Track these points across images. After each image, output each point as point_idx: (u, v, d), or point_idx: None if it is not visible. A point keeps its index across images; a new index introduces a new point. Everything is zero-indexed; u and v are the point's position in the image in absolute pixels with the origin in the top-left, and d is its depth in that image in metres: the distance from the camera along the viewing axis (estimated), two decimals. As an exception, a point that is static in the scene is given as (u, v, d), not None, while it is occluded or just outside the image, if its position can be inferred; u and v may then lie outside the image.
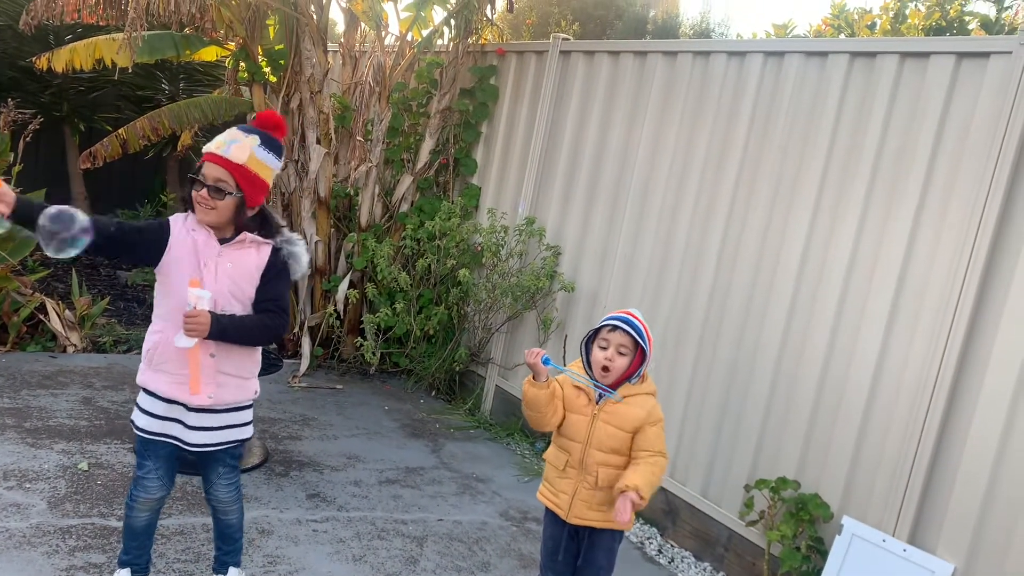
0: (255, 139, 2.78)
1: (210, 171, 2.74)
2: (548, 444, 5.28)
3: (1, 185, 2.49)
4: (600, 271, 5.25)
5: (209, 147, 2.77)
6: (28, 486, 3.86)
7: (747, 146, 4.42)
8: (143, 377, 2.89)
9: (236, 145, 2.74)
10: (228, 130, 2.81)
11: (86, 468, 4.13)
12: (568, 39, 5.83)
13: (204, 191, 2.74)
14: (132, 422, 2.94)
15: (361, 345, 6.16)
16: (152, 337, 2.86)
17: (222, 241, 2.82)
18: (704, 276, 4.57)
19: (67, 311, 5.96)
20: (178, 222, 2.83)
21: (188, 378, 2.78)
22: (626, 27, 14.30)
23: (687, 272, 4.67)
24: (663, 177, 4.88)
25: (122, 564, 3.05)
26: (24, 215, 2.56)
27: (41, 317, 5.81)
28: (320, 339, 6.38)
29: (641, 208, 5.01)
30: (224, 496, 3.08)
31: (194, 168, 2.81)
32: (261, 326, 2.86)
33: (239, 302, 2.85)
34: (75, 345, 5.82)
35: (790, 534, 3.80)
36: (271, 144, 2.83)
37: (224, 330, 2.75)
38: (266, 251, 2.88)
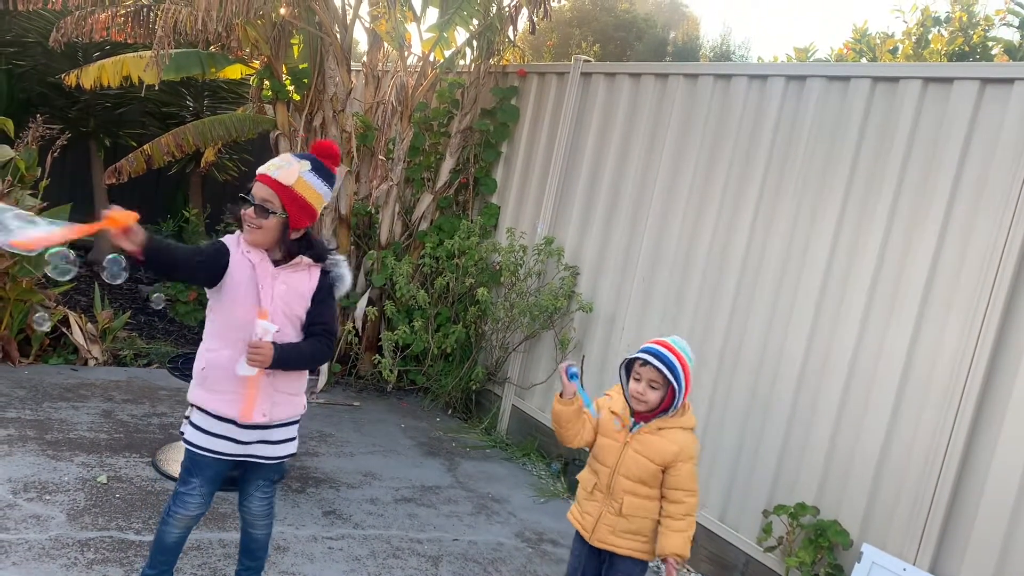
0: (306, 164, 2.85)
1: (259, 191, 2.83)
2: (565, 465, 5.28)
3: (131, 222, 2.51)
4: (618, 292, 5.25)
5: (261, 168, 2.86)
6: (48, 498, 3.89)
7: (768, 170, 4.42)
8: (197, 396, 2.92)
9: (286, 168, 2.83)
10: (283, 154, 2.91)
11: (105, 481, 4.15)
12: (589, 60, 5.87)
13: (251, 209, 2.82)
14: (184, 438, 2.96)
15: (379, 362, 6.18)
16: (206, 356, 2.89)
17: (275, 263, 2.88)
18: (723, 300, 4.55)
19: (89, 324, 6.02)
20: (232, 243, 2.88)
21: (243, 399, 2.83)
22: (646, 49, 14.37)
23: (706, 296, 4.66)
24: (683, 200, 4.88)
25: None
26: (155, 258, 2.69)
27: (64, 330, 5.87)
28: (338, 356, 6.40)
29: (660, 230, 5.01)
30: (258, 510, 3.11)
31: (241, 189, 2.90)
32: (314, 351, 2.96)
33: (291, 323, 2.91)
34: (96, 358, 5.87)
35: (808, 560, 3.76)
36: (322, 171, 2.89)
37: (283, 359, 2.81)
38: (316, 273, 2.96)
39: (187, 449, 2.96)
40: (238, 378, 2.82)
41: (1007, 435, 3.33)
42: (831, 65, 4.38)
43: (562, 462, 5.38)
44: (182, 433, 3.00)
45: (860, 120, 4.00)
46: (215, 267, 2.83)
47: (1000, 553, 3.29)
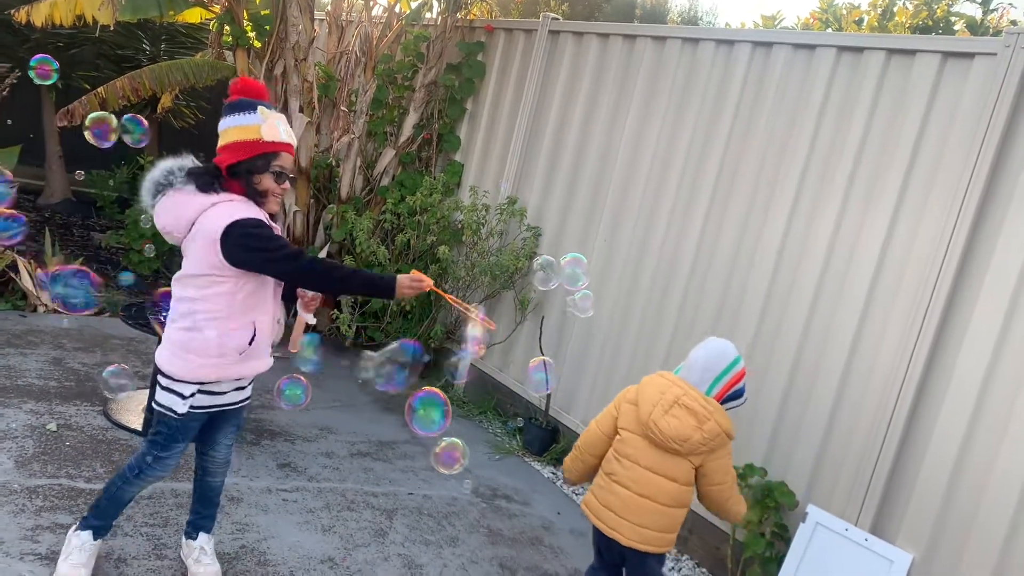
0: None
1: (289, 162, 2.81)
2: (522, 425, 5.31)
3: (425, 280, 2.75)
4: (579, 253, 5.26)
5: (283, 137, 2.78)
6: (-5, 445, 3.82)
7: (731, 134, 4.44)
8: (235, 370, 2.86)
9: (292, 132, 2.85)
10: (272, 113, 2.79)
11: (55, 429, 4.09)
12: (558, 19, 5.81)
13: (287, 183, 2.83)
14: (171, 410, 2.84)
15: (337, 318, 6.14)
16: (244, 333, 2.79)
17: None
18: (682, 262, 4.60)
19: (39, 270, 5.87)
20: (264, 217, 2.81)
21: (264, 351, 2.91)
22: (614, 10, 14.27)
23: (666, 258, 4.69)
24: (647, 161, 4.89)
25: (87, 528, 3.01)
26: None
27: (12, 275, 5.73)
28: (293, 311, 6.33)
29: (623, 192, 5.02)
30: (223, 457, 3.12)
31: (258, 162, 2.75)
32: None
33: None
34: (46, 305, 5.74)
35: (756, 520, 3.86)
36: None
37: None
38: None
39: (168, 417, 2.86)
40: (268, 336, 2.90)
41: (948, 407, 3.43)
42: (797, 33, 4.40)
43: (519, 421, 5.43)
44: (162, 408, 2.85)
45: (824, 88, 4.03)
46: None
47: (937, 515, 3.41)
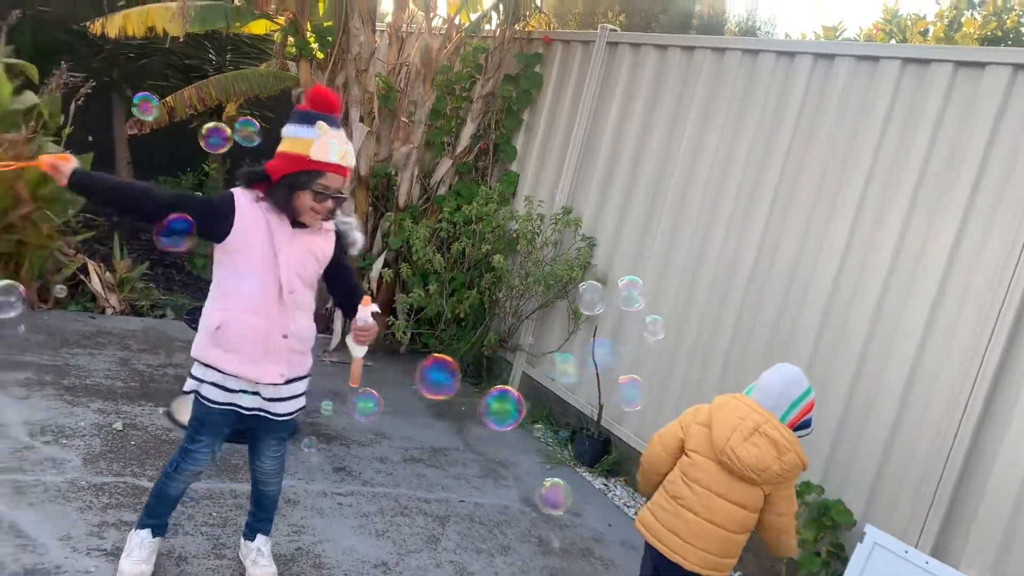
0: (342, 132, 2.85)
1: (337, 183, 2.80)
2: (572, 433, 5.31)
3: (68, 158, 2.70)
4: (635, 265, 5.25)
5: (333, 158, 2.75)
6: (64, 442, 3.96)
7: (792, 145, 4.39)
8: (209, 354, 2.88)
9: (350, 153, 2.83)
10: (331, 131, 2.78)
11: (120, 428, 4.22)
12: (616, 30, 5.82)
13: (330, 202, 2.81)
14: (199, 395, 2.93)
15: (392, 324, 6.21)
16: (215, 316, 2.85)
17: (294, 224, 2.85)
18: (739, 277, 4.55)
19: (107, 273, 6.07)
20: (245, 199, 2.80)
21: (260, 359, 2.87)
22: (671, 21, 14.18)
23: (722, 271, 4.65)
24: (704, 173, 4.86)
25: (144, 526, 3.10)
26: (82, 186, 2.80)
27: (82, 278, 5.93)
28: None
29: (680, 204, 4.99)
30: (269, 468, 3.15)
31: (301, 177, 2.75)
32: None
33: (304, 283, 2.93)
34: (113, 307, 5.93)
35: (811, 539, 3.79)
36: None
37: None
38: (332, 236, 2.97)
39: (198, 406, 2.96)
40: (251, 338, 2.85)
41: (1017, 424, 3.33)
42: (861, 44, 4.33)
43: (570, 430, 5.42)
44: (189, 392, 2.96)
45: (888, 99, 3.96)
46: (217, 221, 2.77)
47: (1003, 539, 3.31)
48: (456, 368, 2.78)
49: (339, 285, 3.10)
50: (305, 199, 2.78)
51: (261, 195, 2.82)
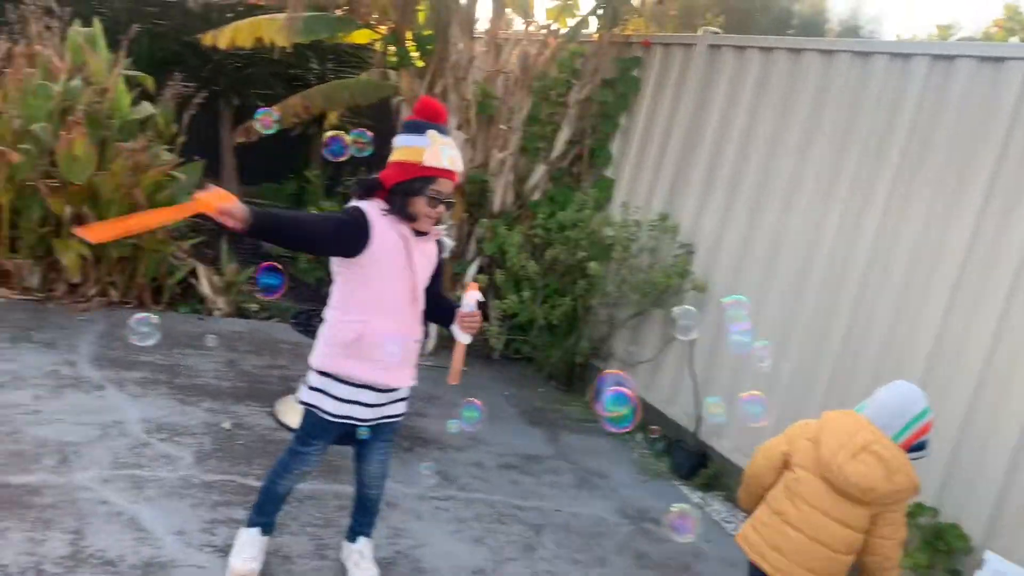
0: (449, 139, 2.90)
1: (447, 188, 2.88)
2: (670, 445, 5.22)
3: (229, 196, 2.49)
4: (736, 274, 5.13)
5: (444, 163, 2.83)
6: (177, 440, 4.13)
7: (905, 154, 4.21)
8: (341, 365, 2.93)
9: (458, 158, 2.90)
10: (441, 138, 2.85)
11: (229, 427, 4.37)
12: (717, 32, 5.70)
13: (442, 207, 2.88)
14: (318, 409, 2.97)
15: (486, 329, 6.25)
16: (354, 327, 2.89)
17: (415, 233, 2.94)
18: (847, 291, 4.39)
19: (215, 276, 6.31)
20: (374, 213, 2.85)
21: (395, 366, 2.95)
22: (770, 22, 13.84)
23: (831, 284, 4.50)
24: (810, 181, 4.71)
25: (254, 524, 3.20)
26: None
27: (192, 281, 6.18)
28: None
29: (785, 213, 4.85)
30: (376, 471, 3.21)
31: (415, 184, 2.82)
32: None
33: (424, 289, 3.02)
34: (221, 309, 6.16)
35: (924, 563, 3.62)
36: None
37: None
38: (434, 241, 3.05)
39: (312, 415, 3.01)
40: (389, 347, 2.90)
41: None
42: (985, 45, 4.11)
43: (666, 442, 5.33)
44: (303, 403, 3.02)
45: (1013, 104, 3.75)
46: (360, 237, 2.83)
47: None
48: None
49: (433, 289, 3.11)
50: (419, 205, 2.85)
51: (386, 207, 2.88)
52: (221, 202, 2.45)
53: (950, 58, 4.08)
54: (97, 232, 2.54)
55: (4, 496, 3.33)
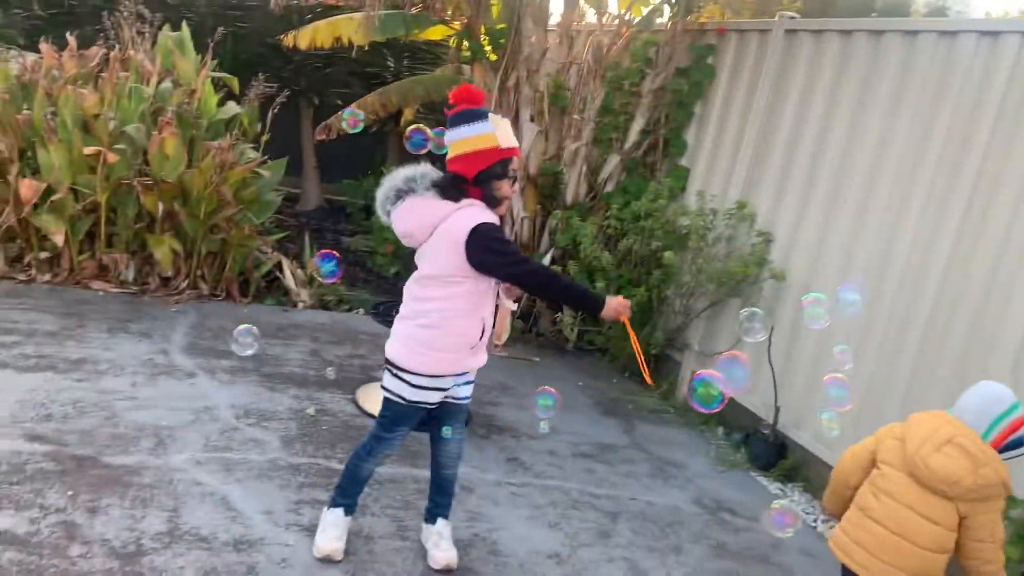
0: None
1: (518, 166, 3.03)
2: (746, 436, 5.17)
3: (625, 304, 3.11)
4: (814, 263, 5.03)
5: (513, 143, 2.97)
6: (265, 425, 4.30)
7: (993, 138, 4.06)
8: (424, 361, 3.01)
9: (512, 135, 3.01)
10: (500, 120, 2.98)
11: (313, 414, 4.53)
12: (795, 17, 5.60)
13: (516, 185, 3.03)
14: (397, 395, 3.09)
15: (559, 320, 6.28)
16: (476, 329, 3.03)
17: None
18: (930, 279, 4.27)
19: (299, 270, 6.52)
20: (492, 218, 2.96)
21: (475, 352, 3.11)
22: (851, 6, 13.45)
23: (911, 271, 4.38)
24: (892, 167, 4.59)
25: (337, 505, 3.31)
26: None
27: (277, 274, 6.40)
28: (520, 312, 6.57)
29: (865, 199, 4.74)
30: (453, 451, 3.32)
31: (498, 168, 2.92)
32: None
33: None
34: (304, 301, 6.36)
35: (1016, 557, 3.50)
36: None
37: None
38: None
39: (394, 403, 3.12)
40: (472, 338, 3.05)
41: None
42: (1079, 19, 3.95)
43: (744, 433, 5.28)
44: (389, 391, 3.12)
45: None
46: None
47: None
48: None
49: None
50: (505, 187, 2.96)
51: (483, 205, 2.96)
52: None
53: (1042, 35, 3.92)
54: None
55: (106, 476, 3.54)
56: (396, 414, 3.15)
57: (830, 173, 5.00)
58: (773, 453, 4.96)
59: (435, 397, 3.12)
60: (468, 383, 3.26)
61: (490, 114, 2.95)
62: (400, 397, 3.09)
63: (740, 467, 4.97)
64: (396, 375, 3.08)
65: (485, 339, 3.11)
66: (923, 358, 4.25)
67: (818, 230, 5.04)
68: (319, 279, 5.71)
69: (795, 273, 5.16)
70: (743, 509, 4.41)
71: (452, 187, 2.96)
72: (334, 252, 3.27)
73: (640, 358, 3.12)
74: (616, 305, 3.03)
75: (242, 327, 3.38)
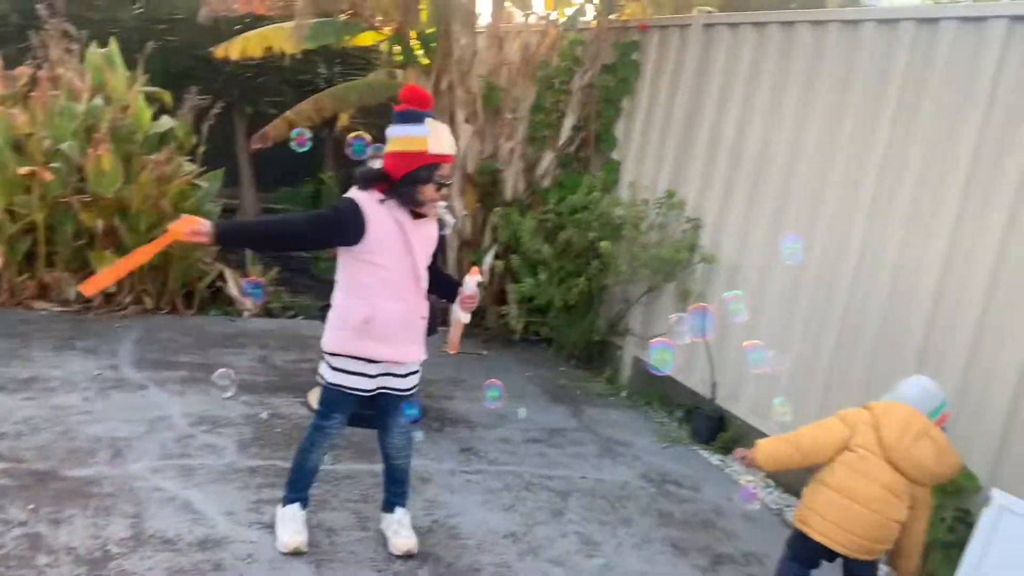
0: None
1: (448, 171, 3.11)
2: (688, 413, 5.40)
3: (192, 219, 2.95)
4: (742, 244, 5.30)
5: (446, 149, 3.08)
6: (220, 431, 4.37)
7: (896, 118, 4.36)
8: (353, 345, 3.16)
9: (452, 140, 3.13)
10: (438, 125, 3.07)
11: (266, 417, 4.62)
12: (712, 12, 5.86)
13: (445, 190, 3.13)
14: (334, 385, 3.24)
15: (506, 313, 6.46)
16: (361, 310, 3.12)
17: (413, 216, 3.14)
18: (849, 251, 4.55)
19: (242, 280, 6.56)
20: (366, 201, 3.07)
21: (405, 342, 3.21)
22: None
23: (832, 247, 4.66)
24: (809, 149, 4.87)
25: (291, 501, 3.43)
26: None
27: (220, 284, 6.43)
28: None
29: (785, 182, 5.01)
30: (398, 442, 3.44)
31: (423, 173, 3.03)
32: None
33: (427, 268, 3.24)
34: (249, 310, 6.41)
35: (935, 505, 3.78)
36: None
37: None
38: (435, 221, 3.25)
39: (329, 390, 3.28)
40: (403, 325, 3.18)
41: None
42: (965, 6, 4.24)
43: (684, 410, 5.52)
44: (321, 377, 3.31)
45: (995, 64, 3.90)
46: (352, 227, 3.05)
47: None
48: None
49: (433, 265, 3.35)
50: (429, 190, 3.07)
51: (382, 196, 3.08)
52: (189, 226, 2.88)
53: (934, 21, 4.22)
54: (94, 284, 3.04)
55: (65, 488, 3.59)
56: (326, 400, 3.31)
57: (751, 159, 5.27)
58: (713, 427, 5.21)
59: (357, 383, 3.19)
60: (408, 374, 3.33)
61: (428, 119, 3.04)
62: (324, 379, 3.27)
63: (682, 442, 5.21)
64: (322, 357, 3.27)
65: (386, 330, 3.13)
66: (846, 322, 4.53)
67: (743, 214, 5.31)
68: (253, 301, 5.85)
69: (724, 255, 5.42)
70: (687, 481, 4.65)
71: (373, 181, 3.10)
72: (258, 279, 3.69)
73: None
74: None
75: (220, 371, 3.58)
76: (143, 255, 3.04)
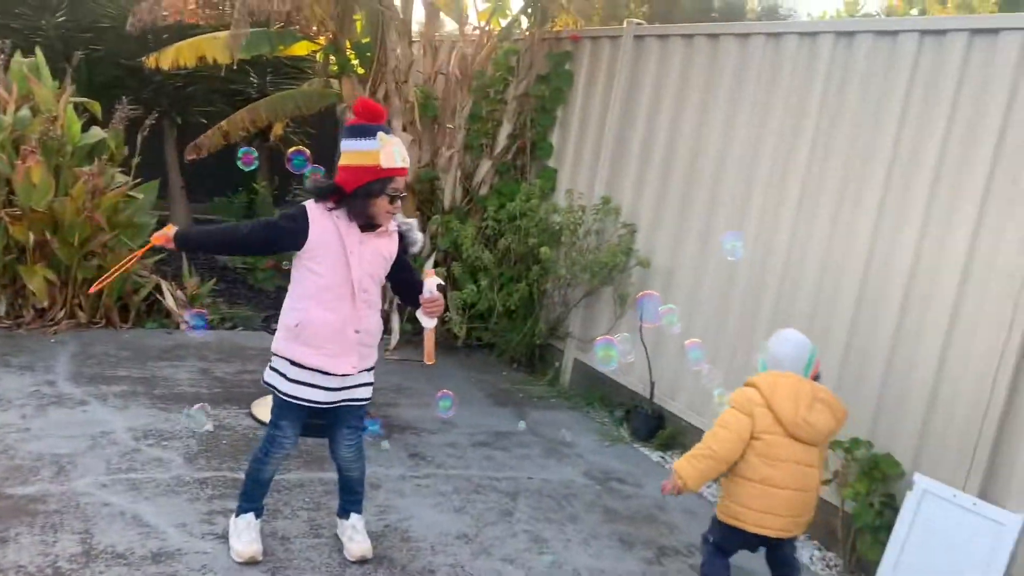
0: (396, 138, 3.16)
1: (402, 184, 3.14)
2: (627, 412, 5.56)
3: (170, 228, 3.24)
4: (675, 248, 5.50)
5: (398, 163, 3.08)
6: (165, 444, 4.34)
7: (818, 127, 4.60)
8: (289, 348, 3.19)
9: (406, 154, 3.15)
10: (390, 139, 3.09)
11: (211, 429, 4.58)
12: (641, 24, 6.06)
13: (399, 203, 3.15)
14: (276, 390, 3.25)
15: (448, 319, 6.53)
16: (295, 315, 3.18)
17: (363, 228, 3.16)
18: (776, 252, 4.78)
19: (179, 291, 6.47)
20: (317, 211, 3.13)
21: (336, 353, 3.18)
22: (693, 6, 14.31)
23: (760, 249, 4.88)
24: (735, 160, 5.09)
25: (245, 511, 3.44)
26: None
27: (157, 296, 6.33)
28: (408, 316, 6.77)
29: (713, 188, 5.23)
30: (348, 454, 3.45)
31: (375, 186, 3.06)
32: None
33: (375, 283, 3.26)
34: (187, 322, 6.31)
35: (863, 491, 4.01)
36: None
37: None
38: (395, 236, 3.28)
39: (278, 398, 3.27)
40: (332, 334, 3.16)
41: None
42: (879, 20, 4.52)
43: (624, 409, 5.68)
44: (268, 384, 3.29)
45: (908, 75, 4.16)
46: (295, 234, 3.11)
47: (1045, 478, 3.51)
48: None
49: (401, 281, 3.42)
50: (381, 204, 3.11)
51: (332, 205, 3.14)
52: (165, 232, 3.19)
53: (851, 34, 4.48)
54: (98, 285, 3.40)
55: (8, 506, 3.52)
56: (278, 409, 3.29)
57: (682, 166, 5.48)
58: (652, 425, 5.38)
59: (308, 394, 3.19)
60: (360, 385, 3.33)
61: (380, 133, 3.06)
62: (276, 389, 3.25)
63: (623, 441, 5.36)
64: (271, 367, 3.29)
65: (317, 338, 3.13)
66: (776, 315, 4.74)
67: (676, 219, 5.51)
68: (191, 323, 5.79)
69: (659, 259, 5.61)
70: (629, 477, 4.80)
71: (326, 194, 3.14)
72: (202, 311, 3.87)
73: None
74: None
75: (196, 406, 3.68)
76: (133, 259, 3.50)
